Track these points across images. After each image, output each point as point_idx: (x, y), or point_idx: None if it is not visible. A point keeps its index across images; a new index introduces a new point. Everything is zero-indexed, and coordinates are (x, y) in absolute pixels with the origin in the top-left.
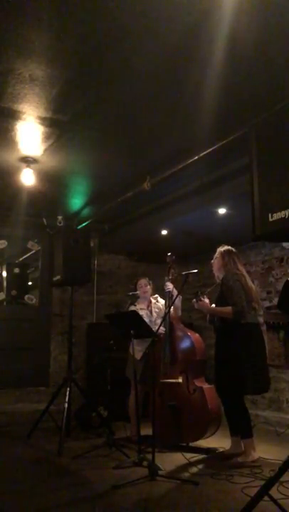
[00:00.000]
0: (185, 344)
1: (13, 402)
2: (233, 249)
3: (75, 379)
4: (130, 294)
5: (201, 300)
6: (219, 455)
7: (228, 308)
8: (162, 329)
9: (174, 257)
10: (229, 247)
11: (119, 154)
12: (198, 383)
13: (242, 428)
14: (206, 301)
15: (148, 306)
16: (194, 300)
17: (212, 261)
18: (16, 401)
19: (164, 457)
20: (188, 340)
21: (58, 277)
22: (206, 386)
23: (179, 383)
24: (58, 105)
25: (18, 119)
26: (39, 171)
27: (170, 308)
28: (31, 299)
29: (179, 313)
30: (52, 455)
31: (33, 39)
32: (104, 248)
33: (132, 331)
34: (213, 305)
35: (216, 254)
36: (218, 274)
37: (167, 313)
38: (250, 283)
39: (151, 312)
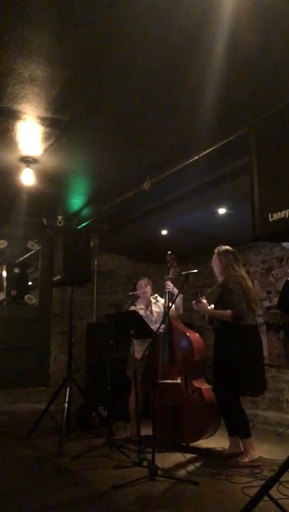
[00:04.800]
0: (184, 344)
1: (13, 402)
2: (230, 249)
3: (75, 379)
4: (130, 294)
5: (200, 302)
6: (218, 454)
7: (228, 312)
8: (164, 326)
9: (174, 255)
10: (226, 248)
11: (119, 154)
12: (196, 384)
13: (240, 428)
14: (204, 301)
15: (148, 306)
16: (194, 302)
17: (211, 264)
18: (16, 401)
19: (164, 457)
20: (186, 340)
21: (58, 277)
22: (204, 387)
23: (177, 384)
24: (58, 105)
25: (18, 119)
26: (39, 171)
27: (170, 307)
28: (31, 299)
29: (180, 311)
30: (52, 455)
31: (33, 39)
32: (104, 248)
33: (132, 331)
34: (212, 306)
35: (214, 257)
36: (219, 277)
37: (167, 312)
38: (249, 284)
39: (151, 312)
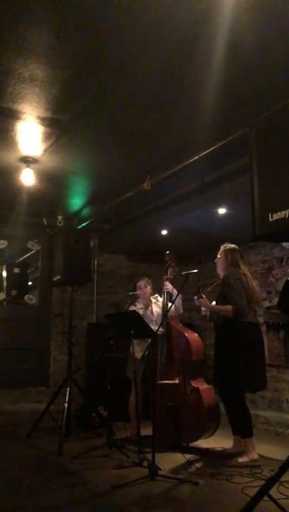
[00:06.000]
0: (181, 345)
1: (13, 402)
2: (237, 247)
3: (75, 379)
4: (130, 294)
5: (202, 297)
6: (221, 453)
7: (228, 307)
8: (161, 330)
9: (172, 255)
10: (233, 246)
11: (119, 154)
12: (195, 384)
13: (242, 427)
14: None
15: (148, 306)
16: (195, 297)
17: (216, 260)
18: (16, 401)
19: (164, 457)
20: (184, 340)
21: (58, 277)
22: (202, 387)
23: (176, 384)
24: (58, 105)
25: (18, 119)
26: (39, 171)
27: (169, 308)
28: (31, 299)
29: (180, 311)
30: (52, 455)
31: (33, 39)
32: (104, 248)
33: (132, 331)
34: (214, 302)
35: (219, 253)
36: (222, 273)
37: (166, 313)
38: (251, 283)
39: (151, 312)
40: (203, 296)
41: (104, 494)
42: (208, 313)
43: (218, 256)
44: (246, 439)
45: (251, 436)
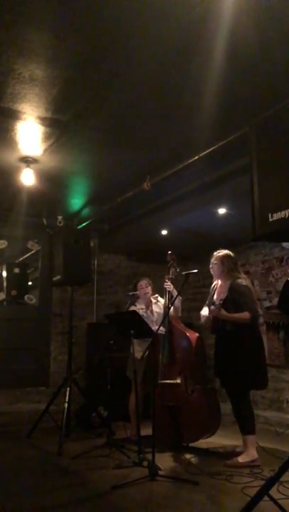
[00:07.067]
0: (183, 344)
1: (13, 402)
2: (231, 253)
3: (75, 379)
4: (130, 294)
5: (220, 309)
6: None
7: (246, 314)
8: (162, 329)
9: (174, 255)
10: (226, 251)
11: (119, 154)
12: (196, 384)
13: (245, 424)
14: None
15: (148, 307)
16: (213, 307)
17: (210, 266)
18: (16, 401)
19: (164, 457)
20: (186, 340)
21: (58, 277)
22: (204, 387)
23: (177, 384)
24: (58, 105)
25: (18, 119)
26: (39, 171)
27: (170, 308)
28: (31, 299)
29: (179, 313)
30: (52, 455)
31: (33, 39)
32: (104, 248)
33: (132, 331)
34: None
35: (214, 260)
36: (219, 280)
37: (167, 312)
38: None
39: (152, 312)
40: (222, 309)
41: (104, 494)
42: (209, 319)
43: (214, 262)
44: (248, 436)
45: (254, 434)
